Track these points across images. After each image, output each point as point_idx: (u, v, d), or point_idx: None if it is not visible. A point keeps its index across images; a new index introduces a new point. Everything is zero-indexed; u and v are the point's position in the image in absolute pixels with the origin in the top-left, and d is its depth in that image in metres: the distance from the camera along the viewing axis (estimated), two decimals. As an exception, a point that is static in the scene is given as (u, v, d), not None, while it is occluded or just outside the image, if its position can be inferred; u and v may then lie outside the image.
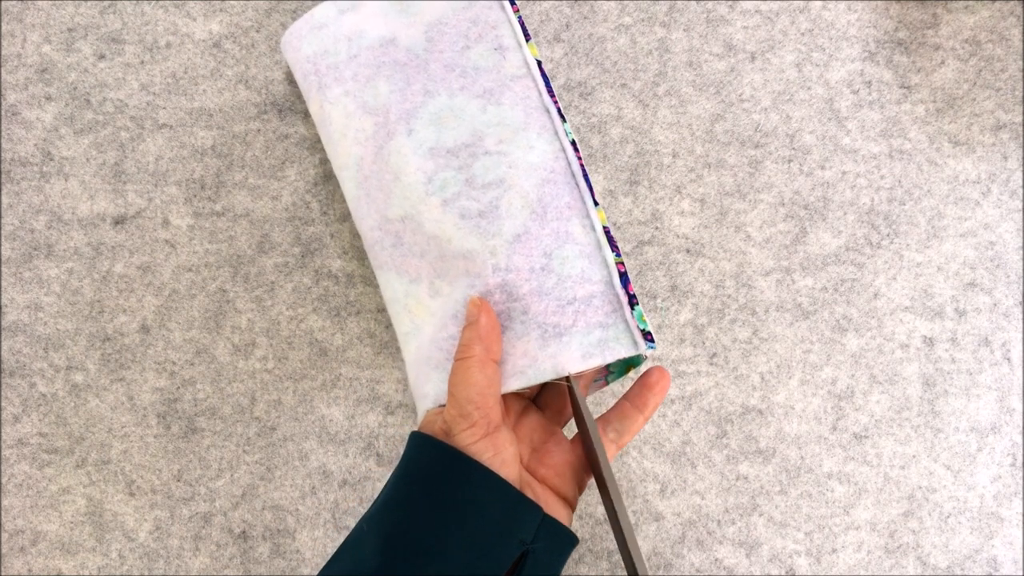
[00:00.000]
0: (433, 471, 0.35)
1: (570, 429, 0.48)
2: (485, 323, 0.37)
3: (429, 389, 0.40)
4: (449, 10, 0.44)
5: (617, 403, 0.40)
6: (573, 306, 0.38)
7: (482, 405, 0.36)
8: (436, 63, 0.43)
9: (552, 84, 0.48)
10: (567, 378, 0.38)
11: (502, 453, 0.36)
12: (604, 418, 0.40)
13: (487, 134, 0.41)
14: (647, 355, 0.38)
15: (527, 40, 0.43)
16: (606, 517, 0.49)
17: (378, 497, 0.37)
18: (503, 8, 0.44)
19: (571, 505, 0.38)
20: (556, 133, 0.42)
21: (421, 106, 0.42)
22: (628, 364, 0.42)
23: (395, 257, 0.42)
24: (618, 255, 0.39)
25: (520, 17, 0.44)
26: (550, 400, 0.42)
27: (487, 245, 0.39)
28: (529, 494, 0.36)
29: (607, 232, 0.40)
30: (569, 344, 0.38)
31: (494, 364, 0.37)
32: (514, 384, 0.38)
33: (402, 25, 0.44)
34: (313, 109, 0.46)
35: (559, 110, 0.42)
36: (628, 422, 0.39)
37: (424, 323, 0.42)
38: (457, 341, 0.39)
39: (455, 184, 0.41)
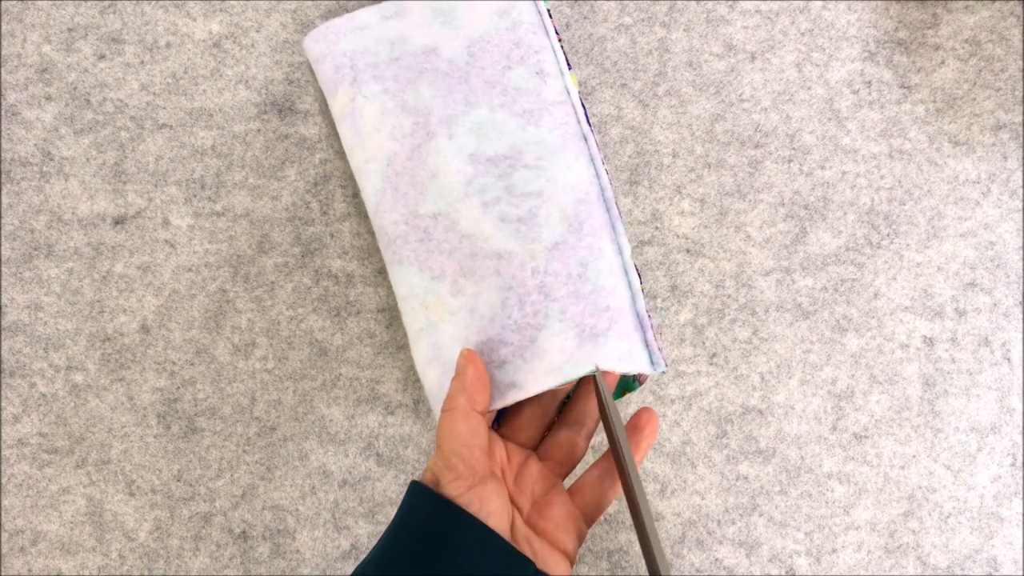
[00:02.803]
0: (426, 521, 0.35)
1: (572, 478, 0.48)
2: (472, 374, 0.38)
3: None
4: (492, 29, 0.45)
5: (608, 450, 0.41)
6: (608, 313, 0.40)
7: (467, 457, 0.36)
8: (477, 78, 0.44)
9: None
10: (594, 374, 0.39)
11: (488, 505, 0.36)
12: (597, 465, 0.41)
13: (526, 150, 0.42)
14: (658, 375, 0.40)
15: (568, 69, 0.45)
16: (608, 519, 0.49)
17: (376, 544, 0.37)
18: (547, 35, 0.45)
19: (570, 559, 0.38)
20: (592, 160, 0.43)
21: (462, 114, 0.43)
22: (624, 388, 0.44)
23: (420, 252, 0.43)
24: (640, 282, 0.42)
25: (562, 45, 0.45)
26: (551, 451, 0.41)
27: (527, 249, 0.40)
28: (527, 548, 0.36)
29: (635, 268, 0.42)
30: (606, 344, 0.39)
31: (478, 415, 0.37)
32: (551, 382, 0.38)
33: (444, 37, 0.45)
34: (340, 100, 0.46)
35: (595, 140, 0.44)
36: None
37: (440, 320, 0.42)
38: (494, 344, 0.40)
39: (495, 190, 0.42)
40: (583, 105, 0.44)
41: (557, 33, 0.45)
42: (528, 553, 0.36)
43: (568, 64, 0.45)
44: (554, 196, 0.42)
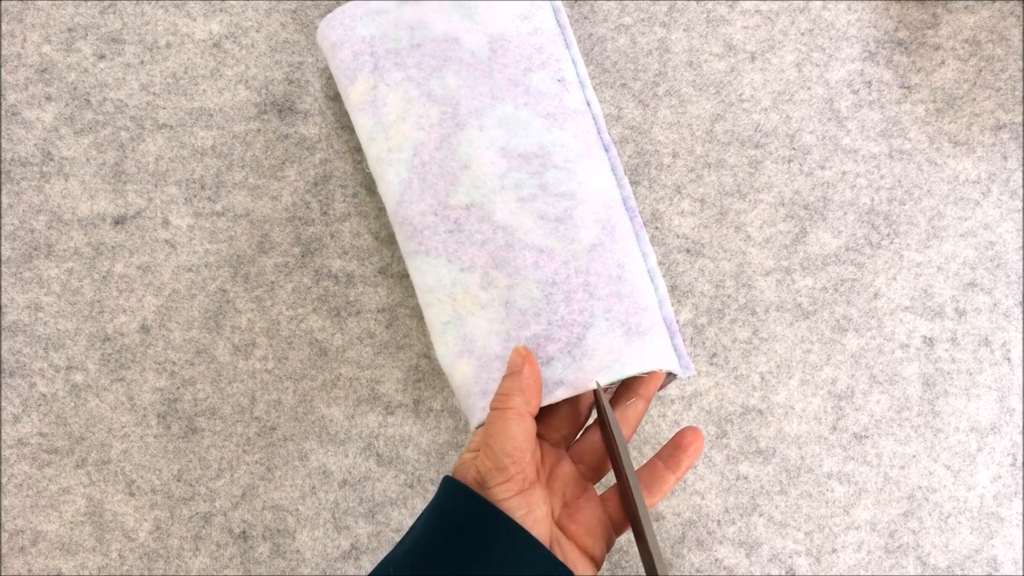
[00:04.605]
0: (466, 523, 0.34)
1: (602, 485, 0.48)
2: (528, 374, 0.37)
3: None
4: (514, 30, 0.44)
5: (649, 462, 0.40)
6: (648, 313, 0.41)
7: (519, 460, 0.35)
8: (500, 74, 0.44)
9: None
10: (595, 389, 0.38)
11: (535, 511, 0.35)
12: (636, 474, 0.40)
13: (554, 151, 0.43)
14: (686, 376, 0.42)
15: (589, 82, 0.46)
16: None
17: (405, 538, 0.36)
18: (568, 47, 0.45)
19: (597, 564, 0.38)
20: (613, 169, 0.44)
21: (489, 108, 0.43)
22: None
23: (449, 243, 0.42)
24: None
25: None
26: (585, 455, 0.41)
27: (568, 249, 0.41)
28: (556, 550, 0.36)
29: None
30: (653, 343, 0.40)
31: (531, 418, 0.36)
32: (602, 379, 0.38)
33: (464, 28, 0.44)
34: (359, 89, 0.45)
35: (616, 152, 0.45)
36: (660, 483, 0.39)
37: (469, 313, 0.42)
38: (539, 340, 0.39)
39: (530, 187, 0.42)
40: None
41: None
42: (557, 555, 0.36)
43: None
44: (587, 199, 0.42)
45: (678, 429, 0.49)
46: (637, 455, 0.49)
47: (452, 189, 0.42)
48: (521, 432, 0.35)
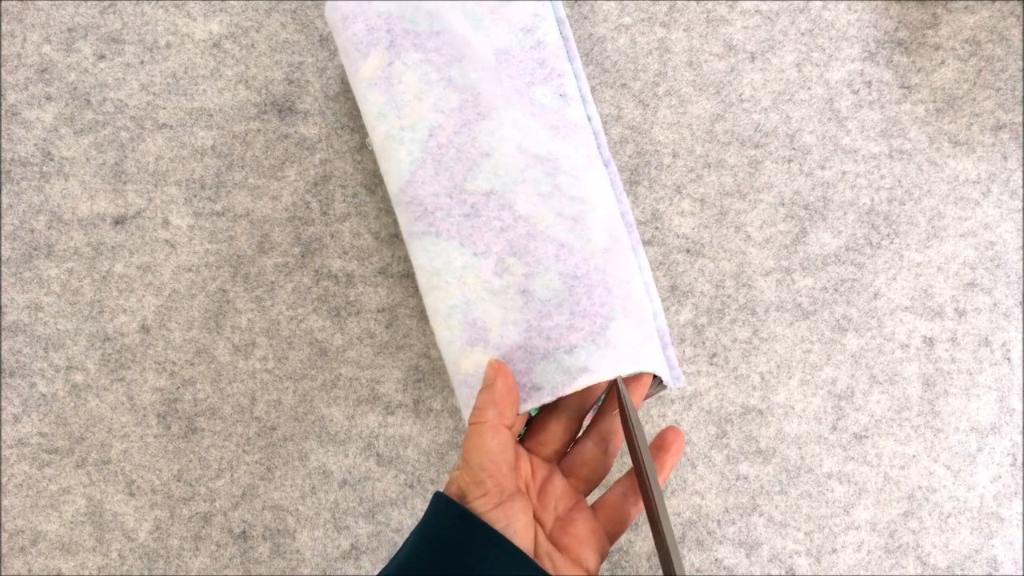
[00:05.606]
0: (452, 537, 0.35)
1: (595, 494, 0.48)
2: (501, 387, 0.37)
3: (541, 380, 0.40)
4: (517, 44, 0.45)
5: (633, 467, 0.40)
6: (646, 323, 0.42)
7: (495, 473, 0.35)
8: (507, 84, 0.44)
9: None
10: (615, 381, 0.39)
11: (515, 523, 0.35)
12: (621, 483, 0.40)
13: (561, 159, 0.43)
14: (675, 388, 0.44)
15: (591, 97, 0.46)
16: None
17: (397, 554, 0.36)
18: (570, 60, 0.45)
19: (591, 575, 0.38)
20: (612, 185, 0.44)
21: (504, 107, 0.43)
22: None
23: (464, 227, 0.42)
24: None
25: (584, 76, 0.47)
26: (576, 467, 0.41)
27: (586, 247, 0.41)
28: (548, 565, 0.36)
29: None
30: (658, 349, 0.42)
31: (507, 430, 0.37)
32: (625, 368, 0.39)
33: (474, 36, 0.44)
34: (373, 64, 0.44)
35: (615, 168, 0.46)
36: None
37: (479, 299, 0.41)
38: (562, 330, 0.40)
39: (547, 185, 0.42)
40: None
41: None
42: (549, 570, 0.36)
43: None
44: (595, 206, 0.42)
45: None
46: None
47: (471, 174, 0.42)
48: (496, 445, 0.36)
